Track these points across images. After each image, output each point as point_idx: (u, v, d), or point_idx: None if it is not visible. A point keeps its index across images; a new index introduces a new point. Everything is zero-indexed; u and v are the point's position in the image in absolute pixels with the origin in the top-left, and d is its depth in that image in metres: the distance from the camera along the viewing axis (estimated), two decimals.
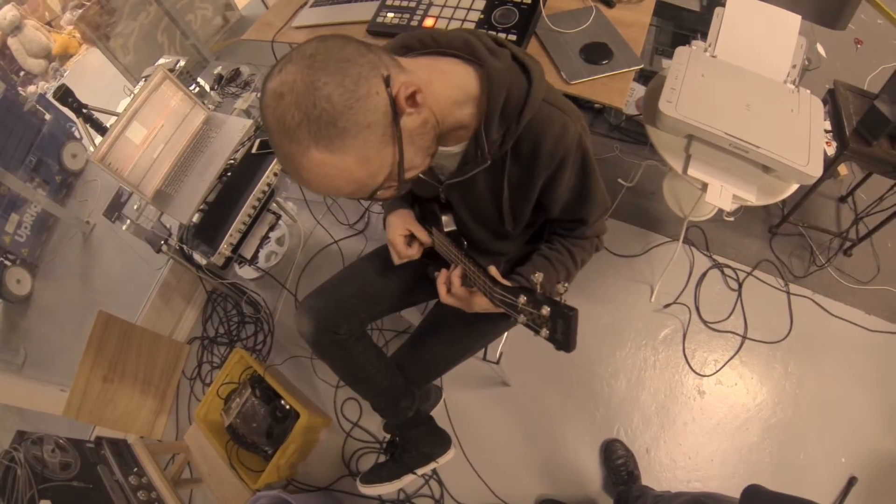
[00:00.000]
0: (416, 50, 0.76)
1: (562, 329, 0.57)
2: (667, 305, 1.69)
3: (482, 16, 1.21)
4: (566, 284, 0.61)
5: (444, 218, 0.92)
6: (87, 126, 1.55)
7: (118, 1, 2.55)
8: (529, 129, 0.73)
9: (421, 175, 0.84)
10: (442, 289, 0.83)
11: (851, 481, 1.39)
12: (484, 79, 0.71)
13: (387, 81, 0.59)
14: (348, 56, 0.58)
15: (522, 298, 0.62)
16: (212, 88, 1.83)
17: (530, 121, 0.72)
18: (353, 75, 0.57)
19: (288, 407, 1.60)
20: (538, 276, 0.63)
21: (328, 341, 1.06)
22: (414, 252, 0.96)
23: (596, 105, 1.99)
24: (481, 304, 0.81)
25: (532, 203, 0.84)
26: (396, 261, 0.98)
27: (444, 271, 0.85)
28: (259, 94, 1.72)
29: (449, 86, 0.70)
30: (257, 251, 1.66)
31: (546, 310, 0.58)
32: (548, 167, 0.76)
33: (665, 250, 1.79)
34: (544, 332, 0.59)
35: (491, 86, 0.70)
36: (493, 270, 0.74)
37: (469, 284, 0.81)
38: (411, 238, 0.96)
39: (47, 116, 2.85)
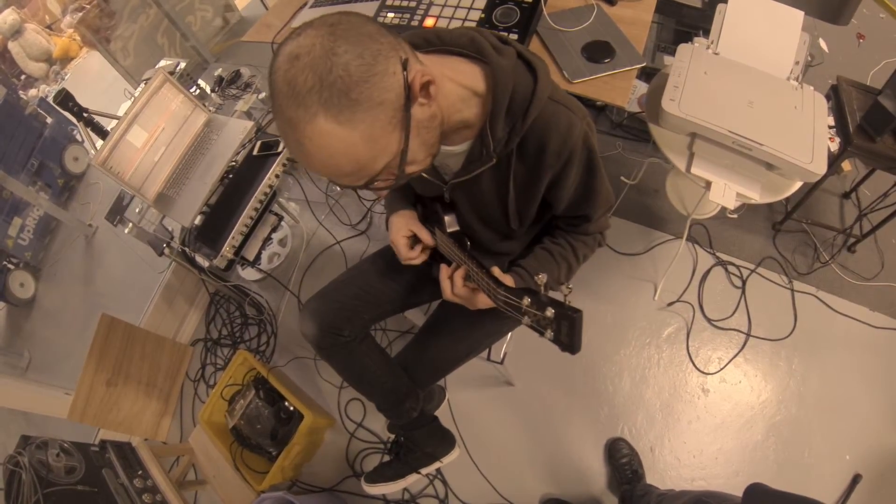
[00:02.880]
0: (421, 48, 0.76)
1: (566, 331, 0.57)
2: (670, 303, 1.69)
3: (483, 15, 1.21)
4: (570, 286, 0.60)
5: (447, 218, 0.91)
6: (89, 130, 1.54)
7: (118, 3, 2.55)
8: (535, 127, 0.72)
9: (425, 175, 0.83)
10: (446, 284, 0.82)
11: (856, 479, 1.39)
12: (489, 77, 0.71)
13: (404, 65, 0.59)
14: (370, 32, 0.58)
15: (526, 300, 0.62)
16: (212, 90, 1.83)
17: (536, 119, 0.71)
18: (373, 50, 0.56)
19: (292, 408, 1.60)
20: (542, 278, 0.63)
21: (332, 343, 1.06)
22: (415, 255, 0.95)
23: (598, 103, 1.98)
24: (485, 300, 0.80)
25: (538, 201, 0.84)
26: (404, 261, 0.96)
27: (445, 266, 0.84)
28: (260, 95, 1.73)
29: (456, 83, 0.70)
30: (260, 253, 1.65)
31: (550, 311, 0.58)
32: (554, 165, 0.76)
33: (668, 248, 1.78)
34: (549, 333, 0.59)
35: (496, 83, 0.70)
36: (496, 271, 0.74)
37: (472, 284, 0.81)
38: (415, 239, 0.96)
39: (48, 120, 2.85)
